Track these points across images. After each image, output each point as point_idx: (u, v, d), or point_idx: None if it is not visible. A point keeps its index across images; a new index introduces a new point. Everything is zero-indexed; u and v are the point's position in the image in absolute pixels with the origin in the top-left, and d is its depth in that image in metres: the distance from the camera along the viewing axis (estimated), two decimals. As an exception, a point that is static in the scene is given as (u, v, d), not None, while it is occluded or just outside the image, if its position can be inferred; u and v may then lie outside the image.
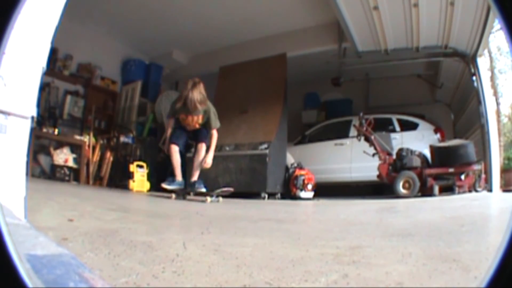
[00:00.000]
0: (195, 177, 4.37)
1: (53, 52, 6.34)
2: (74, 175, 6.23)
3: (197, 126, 4.41)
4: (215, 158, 6.09)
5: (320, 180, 6.27)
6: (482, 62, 6.34)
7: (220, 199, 4.33)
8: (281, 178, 6.04)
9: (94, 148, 6.49)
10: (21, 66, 1.34)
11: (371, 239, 1.71)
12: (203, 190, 4.29)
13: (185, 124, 4.41)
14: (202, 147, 4.42)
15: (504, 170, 6.57)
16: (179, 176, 4.37)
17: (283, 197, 5.87)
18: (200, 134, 4.48)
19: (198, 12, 6.59)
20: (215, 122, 4.42)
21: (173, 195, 4.34)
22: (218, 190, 4.39)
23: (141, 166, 6.09)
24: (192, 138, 4.57)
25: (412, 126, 6.88)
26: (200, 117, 4.35)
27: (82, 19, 6.39)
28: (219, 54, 7.72)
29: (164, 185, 4.29)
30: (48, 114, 6.50)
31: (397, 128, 6.90)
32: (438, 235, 1.77)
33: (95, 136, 6.70)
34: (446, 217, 2.60)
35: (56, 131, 6.29)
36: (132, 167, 5.98)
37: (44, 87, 6.39)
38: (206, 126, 4.43)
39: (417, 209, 3.62)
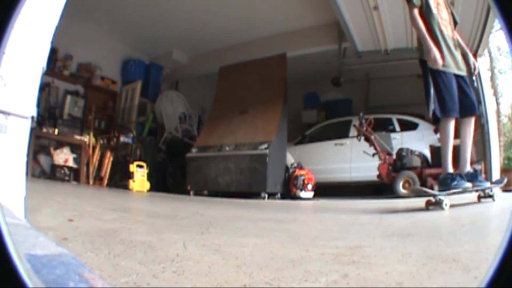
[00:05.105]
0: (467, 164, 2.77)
1: (53, 52, 6.33)
2: (74, 175, 6.23)
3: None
4: (215, 158, 6.15)
5: (320, 180, 6.26)
6: (482, 62, 6.35)
7: None
8: (281, 178, 6.03)
9: (94, 148, 6.49)
10: (21, 66, 1.34)
11: (371, 239, 1.71)
12: (486, 185, 2.82)
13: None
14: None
15: (504, 170, 6.57)
16: (450, 166, 2.78)
17: (283, 197, 5.87)
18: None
19: (198, 12, 6.59)
20: None
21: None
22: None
23: (141, 166, 6.10)
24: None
25: (412, 126, 6.87)
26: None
27: (82, 19, 6.38)
28: (219, 54, 7.72)
29: (452, 188, 2.67)
30: (48, 114, 6.50)
31: (397, 128, 6.89)
32: (438, 235, 1.77)
33: (95, 136, 6.70)
34: (446, 217, 2.59)
35: (56, 131, 6.29)
36: (132, 167, 5.99)
37: (44, 87, 6.39)
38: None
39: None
